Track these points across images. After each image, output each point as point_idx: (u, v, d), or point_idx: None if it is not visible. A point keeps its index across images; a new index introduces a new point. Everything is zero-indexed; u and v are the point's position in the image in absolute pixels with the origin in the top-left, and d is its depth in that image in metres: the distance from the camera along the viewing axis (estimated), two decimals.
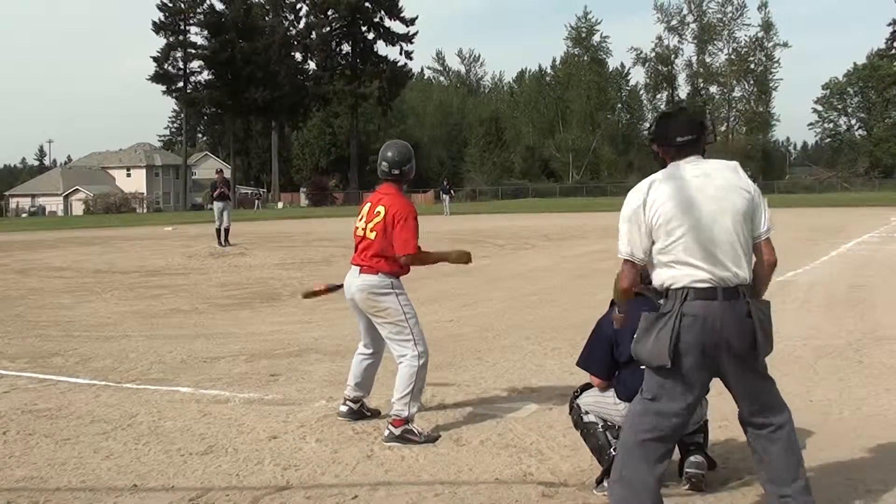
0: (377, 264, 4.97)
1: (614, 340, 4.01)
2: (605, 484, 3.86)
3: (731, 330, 3.24)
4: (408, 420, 4.86)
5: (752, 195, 3.39)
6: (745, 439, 3.71)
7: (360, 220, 5.12)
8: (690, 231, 3.28)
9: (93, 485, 4.25)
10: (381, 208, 5.00)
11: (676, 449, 4.09)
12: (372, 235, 5.01)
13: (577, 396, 4.21)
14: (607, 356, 4.05)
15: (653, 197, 3.35)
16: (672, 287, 3.31)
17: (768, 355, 3.35)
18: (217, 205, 20.61)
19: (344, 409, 5.33)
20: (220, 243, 20.23)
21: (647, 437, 3.32)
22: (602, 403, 4.08)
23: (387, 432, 4.87)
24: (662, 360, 3.24)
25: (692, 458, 3.96)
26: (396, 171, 5.05)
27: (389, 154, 5.08)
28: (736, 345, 3.26)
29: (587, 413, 4.10)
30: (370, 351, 5.29)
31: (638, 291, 3.93)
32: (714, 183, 3.36)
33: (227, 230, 20.64)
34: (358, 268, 5.04)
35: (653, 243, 3.35)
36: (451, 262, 5.39)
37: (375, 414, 5.34)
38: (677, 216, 3.29)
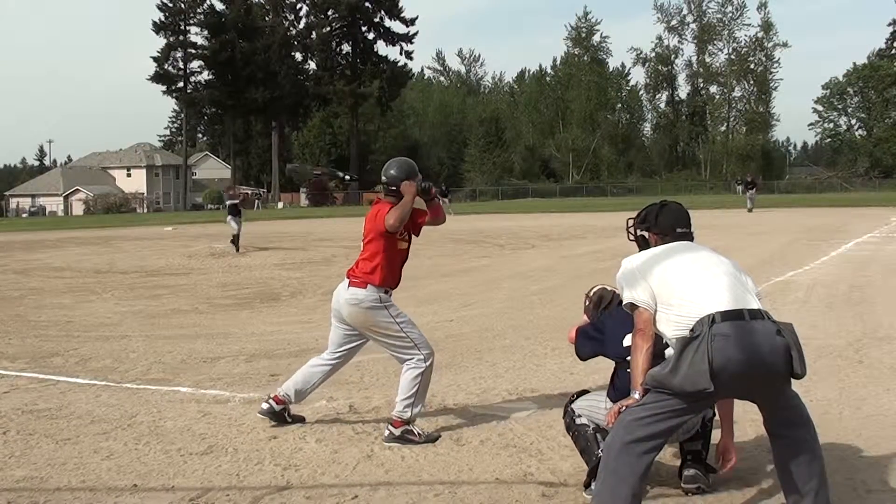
0: (366, 276, 4.90)
1: (606, 339, 4.18)
2: (594, 486, 3.89)
3: (763, 347, 3.22)
4: (408, 421, 4.86)
5: (736, 263, 3.66)
6: (746, 440, 3.72)
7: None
8: (703, 270, 3.51)
9: (93, 485, 4.25)
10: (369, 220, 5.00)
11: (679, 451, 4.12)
12: (361, 246, 5.02)
13: (573, 401, 4.25)
14: (594, 344, 4.24)
15: (654, 255, 3.66)
16: (698, 315, 3.31)
17: (802, 377, 3.31)
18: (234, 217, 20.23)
19: (265, 406, 5.17)
20: (236, 249, 19.69)
21: (635, 441, 3.31)
22: (594, 407, 4.12)
23: (387, 432, 4.87)
24: (701, 384, 3.18)
25: (687, 473, 3.96)
26: (394, 188, 4.97)
27: (392, 171, 4.98)
28: (769, 363, 3.23)
29: (580, 416, 4.14)
30: (333, 362, 5.15)
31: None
32: (702, 248, 3.71)
33: (236, 238, 20.14)
34: (347, 280, 4.98)
35: (655, 301, 3.52)
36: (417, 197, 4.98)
37: (298, 420, 5.22)
38: (685, 264, 3.56)
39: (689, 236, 3.85)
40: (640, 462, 3.30)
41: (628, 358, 3.94)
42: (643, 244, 3.93)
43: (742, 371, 3.20)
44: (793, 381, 3.37)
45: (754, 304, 3.36)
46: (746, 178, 41.38)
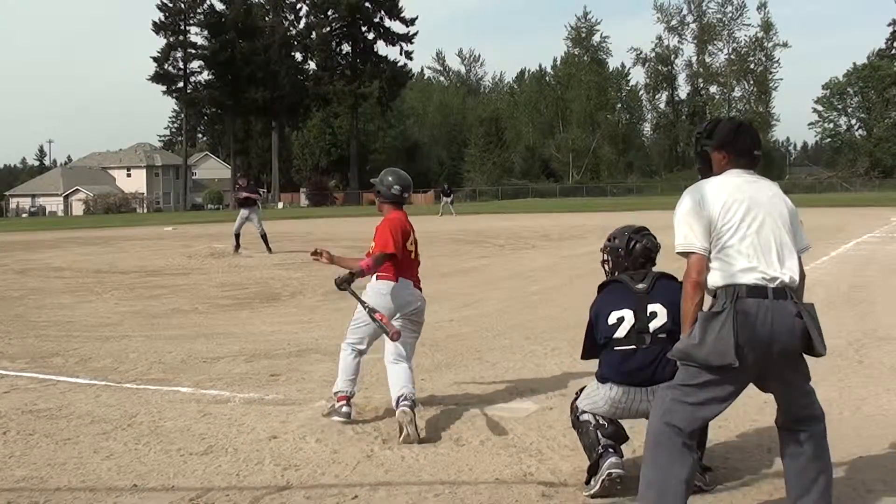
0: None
1: (593, 322, 4.19)
2: (592, 483, 3.93)
3: (782, 328, 3.27)
4: None
5: (794, 210, 3.53)
6: (746, 440, 3.71)
7: (411, 243, 5.43)
8: (748, 231, 3.37)
9: (93, 485, 4.25)
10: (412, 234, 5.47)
11: None
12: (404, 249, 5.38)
13: (576, 398, 4.27)
14: (590, 339, 4.25)
15: (713, 196, 3.42)
16: (724, 286, 3.31)
17: (824, 355, 3.37)
18: (242, 211, 19.20)
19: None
20: (237, 247, 18.96)
21: (676, 423, 3.33)
22: (591, 395, 4.16)
23: (411, 412, 4.92)
24: (728, 358, 3.21)
25: None
26: (406, 195, 5.51)
27: (392, 182, 5.46)
28: (786, 343, 3.28)
29: (584, 413, 4.15)
30: (364, 355, 5.52)
31: (615, 279, 4.24)
32: (765, 192, 3.49)
33: (263, 236, 18.92)
34: (411, 282, 5.40)
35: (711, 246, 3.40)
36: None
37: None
38: (737, 216, 3.38)
39: (759, 161, 3.62)
40: (685, 457, 3.32)
41: (615, 336, 4.03)
42: (703, 163, 3.65)
43: (760, 349, 3.25)
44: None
45: (782, 277, 3.32)
46: None
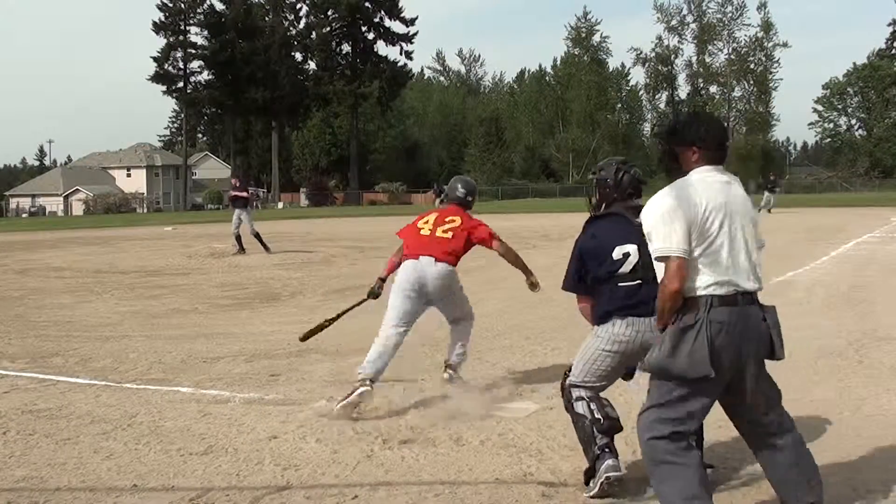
0: (452, 259, 5.89)
1: (580, 255, 4.16)
2: (591, 485, 3.92)
3: (753, 334, 3.28)
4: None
5: (754, 210, 3.49)
6: (747, 442, 3.71)
7: (425, 222, 6.01)
8: (724, 240, 3.29)
9: (93, 485, 4.25)
10: (455, 217, 6.00)
11: None
12: (448, 235, 5.89)
13: (566, 376, 4.23)
14: (574, 271, 4.21)
15: (693, 198, 3.30)
16: (696, 297, 3.27)
17: (782, 359, 3.36)
18: (235, 211, 19.10)
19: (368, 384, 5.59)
20: (241, 249, 18.81)
21: (662, 435, 3.31)
22: (585, 353, 4.10)
23: (447, 375, 5.95)
24: (704, 370, 3.20)
25: None
26: (470, 198, 6.20)
27: (462, 188, 6.20)
28: (756, 347, 3.30)
29: (579, 399, 4.10)
30: (406, 329, 5.82)
31: (610, 212, 4.14)
32: (738, 193, 3.41)
33: (256, 235, 18.76)
34: (432, 258, 5.78)
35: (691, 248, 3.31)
36: (528, 278, 6.46)
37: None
38: (716, 224, 3.28)
39: (727, 153, 3.50)
40: (690, 457, 3.32)
41: (620, 271, 3.98)
42: (672, 162, 3.49)
43: (733, 356, 3.26)
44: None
45: (751, 285, 3.31)
46: (770, 176, 39.24)
